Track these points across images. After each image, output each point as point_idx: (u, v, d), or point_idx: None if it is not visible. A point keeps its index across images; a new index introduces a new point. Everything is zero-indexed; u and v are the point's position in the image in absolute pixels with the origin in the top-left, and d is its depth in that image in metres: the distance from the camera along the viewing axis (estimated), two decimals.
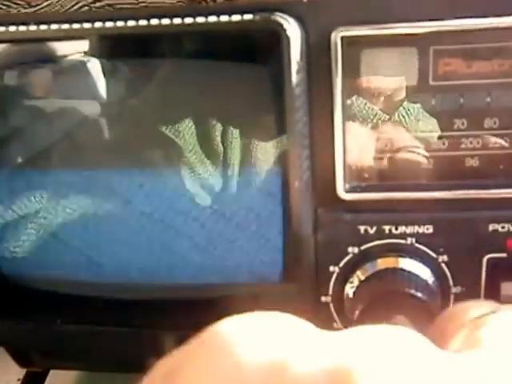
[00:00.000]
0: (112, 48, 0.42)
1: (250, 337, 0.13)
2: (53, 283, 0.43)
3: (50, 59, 0.41)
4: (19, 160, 0.44)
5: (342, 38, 0.32)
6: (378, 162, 0.36)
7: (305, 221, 0.36)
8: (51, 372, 1.42)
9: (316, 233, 0.37)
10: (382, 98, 0.34)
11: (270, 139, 0.39)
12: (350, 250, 0.37)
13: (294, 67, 0.31)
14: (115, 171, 0.43)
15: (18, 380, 1.57)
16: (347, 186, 0.35)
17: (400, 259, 0.36)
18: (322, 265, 0.37)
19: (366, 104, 0.34)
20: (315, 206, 0.36)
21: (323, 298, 0.38)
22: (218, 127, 0.41)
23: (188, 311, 0.42)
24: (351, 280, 0.37)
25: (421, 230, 0.36)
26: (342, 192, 0.35)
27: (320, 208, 0.36)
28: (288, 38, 0.31)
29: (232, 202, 0.40)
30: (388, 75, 0.34)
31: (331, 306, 0.39)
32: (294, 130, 0.32)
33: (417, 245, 0.36)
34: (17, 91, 0.43)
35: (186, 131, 0.41)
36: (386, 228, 0.36)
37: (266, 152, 0.39)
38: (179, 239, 0.42)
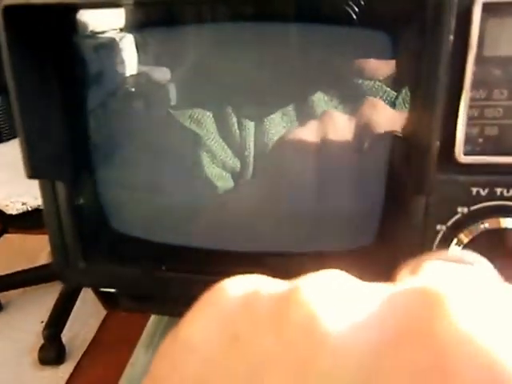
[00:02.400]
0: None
1: (234, 285, 0.16)
2: (158, 233, 0.45)
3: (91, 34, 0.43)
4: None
5: None
6: (494, 127, 0.37)
7: (421, 181, 0.38)
8: (71, 317, 1.45)
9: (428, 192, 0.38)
10: None
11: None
12: (459, 209, 0.38)
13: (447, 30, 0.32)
14: None
15: (42, 322, 1.62)
16: (465, 148, 0.37)
17: (508, 220, 0.38)
18: (430, 223, 0.39)
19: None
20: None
21: None
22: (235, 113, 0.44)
23: (284, 264, 0.45)
24: (456, 240, 0.39)
25: None
26: (460, 155, 0.37)
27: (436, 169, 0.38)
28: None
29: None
30: None
31: None
32: (436, 95, 0.33)
33: None
34: None
35: (206, 121, 0.44)
36: (498, 190, 0.38)
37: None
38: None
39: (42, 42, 0.39)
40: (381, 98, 0.42)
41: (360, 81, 0.42)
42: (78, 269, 0.43)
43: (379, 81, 0.42)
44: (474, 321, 0.12)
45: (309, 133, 0.44)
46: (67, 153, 0.40)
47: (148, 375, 0.15)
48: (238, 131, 0.45)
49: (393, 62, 0.41)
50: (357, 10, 0.38)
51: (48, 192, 0.40)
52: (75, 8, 0.41)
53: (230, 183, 0.47)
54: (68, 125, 0.40)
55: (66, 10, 0.40)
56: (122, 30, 0.45)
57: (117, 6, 0.41)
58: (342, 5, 0.38)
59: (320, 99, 0.44)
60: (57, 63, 0.41)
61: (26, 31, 0.38)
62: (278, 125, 0.45)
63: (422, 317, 0.12)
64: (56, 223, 0.41)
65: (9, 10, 0.36)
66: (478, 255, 0.21)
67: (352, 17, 0.39)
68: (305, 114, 0.44)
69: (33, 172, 0.37)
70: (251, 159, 0.46)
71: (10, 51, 0.37)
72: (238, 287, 0.16)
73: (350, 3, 0.38)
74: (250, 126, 0.45)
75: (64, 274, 0.44)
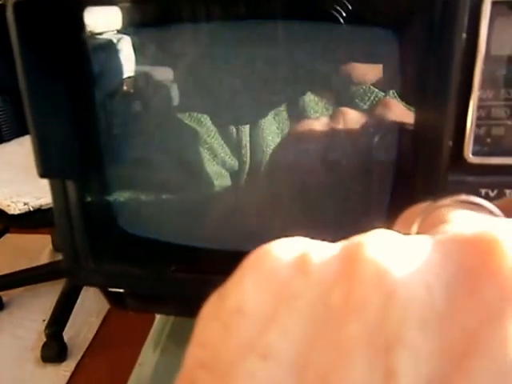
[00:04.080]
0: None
1: (283, 244, 0.16)
2: (165, 233, 0.45)
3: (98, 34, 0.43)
4: None
5: None
6: (501, 127, 0.37)
7: (430, 182, 0.38)
8: (72, 315, 1.46)
9: (437, 193, 0.38)
10: None
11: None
12: None
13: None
14: None
15: (44, 321, 1.63)
16: (474, 149, 0.37)
17: None
18: None
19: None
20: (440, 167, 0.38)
21: None
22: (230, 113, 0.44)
23: None
24: None
25: None
26: (468, 155, 0.37)
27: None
28: None
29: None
30: None
31: None
32: (448, 95, 0.33)
33: None
34: None
35: (206, 120, 0.44)
36: (507, 191, 0.38)
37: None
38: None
39: (51, 40, 0.39)
40: (369, 98, 0.42)
41: (351, 81, 0.42)
42: (87, 268, 0.43)
43: (370, 82, 0.42)
44: None
45: (315, 130, 0.44)
46: (77, 152, 0.40)
47: (193, 343, 0.15)
48: (234, 130, 0.46)
49: (384, 63, 0.41)
50: (358, 7, 0.38)
51: (58, 191, 0.40)
52: (81, 4, 0.41)
53: (228, 181, 0.47)
54: (77, 124, 0.40)
55: (73, 6, 0.40)
56: (124, 30, 0.45)
57: (118, 2, 0.41)
58: (343, 3, 0.38)
59: (311, 99, 0.44)
60: (65, 62, 0.41)
61: (36, 28, 0.38)
62: (272, 125, 0.45)
63: (484, 257, 0.13)
64: (66, 222, 0.42)
65: (19, 6, 0.36)
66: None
67: (354, 16, 0.39)
68: (296, 114, 0.44)
69: (44, 171, 0.37)
70: (248, 158, 0.46)
71: (20, 47, 0.37)
72: (284, 250, 0.15)
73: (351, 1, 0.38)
74: (246, 125, 0.46)
75: (73, 273, 0.44)
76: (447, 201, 0.19)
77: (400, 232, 0.18)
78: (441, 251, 0.14)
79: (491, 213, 0.18)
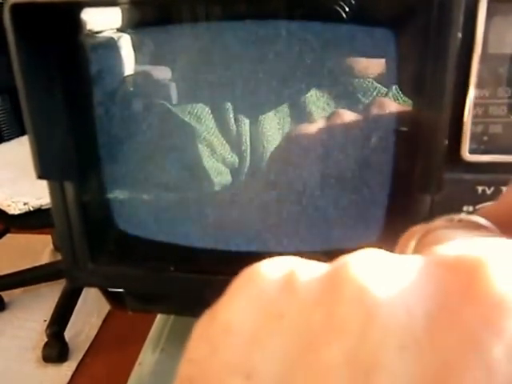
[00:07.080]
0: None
1: (270, 265, 0.16)
2: (164, 233, 0.45)
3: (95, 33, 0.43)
4: None
5: None
6: (498, 125, 0.37)
7: (427, 180, 0.38)
8: (74, 315, 1.46)
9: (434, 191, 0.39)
10: None
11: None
12: (464, 208, 0.39)
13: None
14: None
15: (45, 321, 1.63)
16: (471, 147, 0.37)
17: None
18: None
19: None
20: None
21: None
22: (231, 110, 0.44)
23: None
24: None
25: None
26: (465, 153, 0.37)
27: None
28: None
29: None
30: None
31: None
32: (444, 94, 0.33)
33: None
34: None
35: (205, 117, 0.44)
36: (504, 189, 0.38)
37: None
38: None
39: (48, 40, 0.40)
40: (372, 94, 0.42)
41: (352, 77, 0.42)
42: (85, 269, 0.43)
43: (371, 77, 0.42)
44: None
45: (314, 130, 0.44)
46: (75, 152, 0.40)
47: (184, 359, 0.15)
48: (234, 127, 0.46)
49: (384, 60, 0.41)
50: (358, 6, 0.38)
51: (57, 192, 0.40)
52: (79, 7, 0.41)
53: (228, 179, 0.47)
54: (74, 124, 0.40)
55: (70, 8, 0.40)
56: (122, 29, 0.45)
57: (117, 4, 0.41)
58: (342, 1, 0.38)
59: (312, 95, 0.44)
60: (62, 62, 0.41)
61: (33, 30, 0.38)
62: (272, 121, 0.45)
63: (465, 281, 0.12)
64: (65, 223, 0.42)
65: (16, 8, 0.36)
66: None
67: (353, 14, 0.39)
68: (297, 111, 0.44)
69: (42, 172, 0.37)
70: (248, 155, 0.46)
71: (17, 49, 0.37)
72: (273, 269, 0.15)
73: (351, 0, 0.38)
74: (246, 122, 0.46)
75: (72, 274, 0.44)
76: (443, 221, 0.18)
77: (397, 251, 0.18)
78: (425, 273, 0.13)
79: (488, 230, 0.17)
